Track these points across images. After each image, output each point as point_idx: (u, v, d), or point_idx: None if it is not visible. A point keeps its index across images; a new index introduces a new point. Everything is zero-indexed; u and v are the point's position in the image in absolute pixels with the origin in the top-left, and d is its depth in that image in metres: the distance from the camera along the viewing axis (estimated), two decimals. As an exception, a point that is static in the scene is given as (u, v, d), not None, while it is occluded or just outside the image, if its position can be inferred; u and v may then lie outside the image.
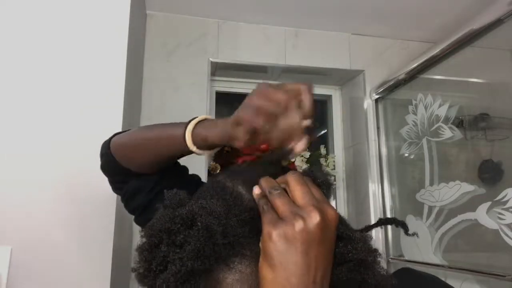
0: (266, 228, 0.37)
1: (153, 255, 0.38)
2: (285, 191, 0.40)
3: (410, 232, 0.56)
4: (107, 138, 0.70)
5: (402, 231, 0.57)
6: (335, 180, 2.06)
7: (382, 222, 0.56)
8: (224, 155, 0.58)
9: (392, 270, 0.55)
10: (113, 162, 0.65)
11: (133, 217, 0.70)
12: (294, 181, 0.40)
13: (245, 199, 0.42)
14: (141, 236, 0.40)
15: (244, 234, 0.39)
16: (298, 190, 0.39)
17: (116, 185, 0.71)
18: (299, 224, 0.36)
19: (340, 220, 0.41)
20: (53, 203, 1.11)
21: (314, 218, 0.36)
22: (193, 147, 0.53)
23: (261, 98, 0.45)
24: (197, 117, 0.55)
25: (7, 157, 1.12)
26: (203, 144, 0.53)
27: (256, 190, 0.41)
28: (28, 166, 1.12)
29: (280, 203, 0.38)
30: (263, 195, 0.41)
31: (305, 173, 0.44)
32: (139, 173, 0.65)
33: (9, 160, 1.12)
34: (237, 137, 0.47)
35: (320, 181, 0.44)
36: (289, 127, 0.46)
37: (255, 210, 0.41)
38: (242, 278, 0.39)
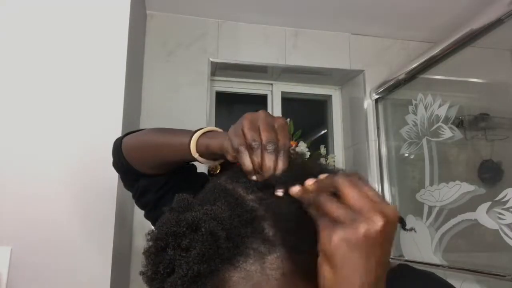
0: (326, 232, 0.37)
1: (160, 259, 0.40)
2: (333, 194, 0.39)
3: (407, 227, 0.57)
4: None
5: (401, 231, 0.57)
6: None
7: None
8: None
9: None
10: (123, 162, 0.68)
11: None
12: (344, 185, 0.38)
13: (246, 200, 0.43)
14: (148, 240, 0.41)
15: (247, 234, 0.41)
16: (351, 193, 0.38)
17: (127, 183, 0.74)
18: (361, 229, 0.35)
19: None
20: (53, 203, 1.11)
21: (377, 223, 0.35)
22: (196, 154, 0.56)
23: (251, 129, 0.46)
24: (205, 127, 0.58)
25: (8, 157, 1.12)
26: (205, 152, 0.56)
27: (296, 190, 0.42)
28: (28, 167, 1.12)
29: (334, 208, 0.37)
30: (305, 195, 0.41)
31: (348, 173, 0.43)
32: (149, 174, 0.68)
33: (9, 160, 1.12)
34: (227, 151, 0.49)
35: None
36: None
37: (256, 210, 0.42)
38: (247, 276, 0.40)
